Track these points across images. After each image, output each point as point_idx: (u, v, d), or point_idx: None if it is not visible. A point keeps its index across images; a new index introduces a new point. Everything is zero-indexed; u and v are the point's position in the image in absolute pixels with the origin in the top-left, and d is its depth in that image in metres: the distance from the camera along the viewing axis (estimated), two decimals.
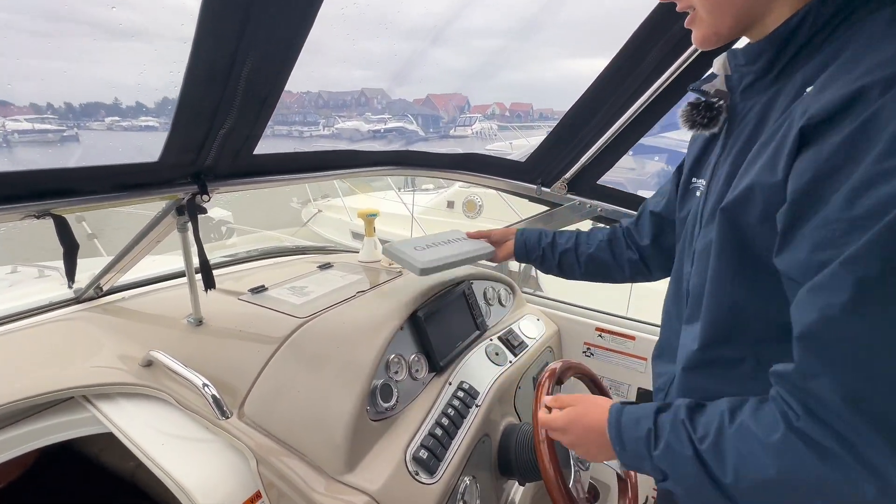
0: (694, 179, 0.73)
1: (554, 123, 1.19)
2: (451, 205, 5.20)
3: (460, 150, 1.34)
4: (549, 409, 0.73)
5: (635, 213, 0.97)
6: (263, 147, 0.85)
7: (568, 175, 1.25)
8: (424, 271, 1.01)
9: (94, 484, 1.40)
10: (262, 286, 1.21)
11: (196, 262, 0.95)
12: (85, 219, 3.08)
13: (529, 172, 1.29)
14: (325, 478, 0.76)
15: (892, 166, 0.38)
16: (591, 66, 1.14)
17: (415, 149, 1.18)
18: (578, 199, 1.27)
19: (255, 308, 1.09)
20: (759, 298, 0.53)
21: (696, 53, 1.00)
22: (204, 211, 0.86)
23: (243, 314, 1.08)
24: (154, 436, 0.85)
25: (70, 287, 0.71)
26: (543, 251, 1.04)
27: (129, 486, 1.28)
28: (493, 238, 1.14)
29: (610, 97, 1.14)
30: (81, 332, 1.11)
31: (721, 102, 0.62)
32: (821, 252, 0.42)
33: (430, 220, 5.05)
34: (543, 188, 1.29)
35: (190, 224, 0.89)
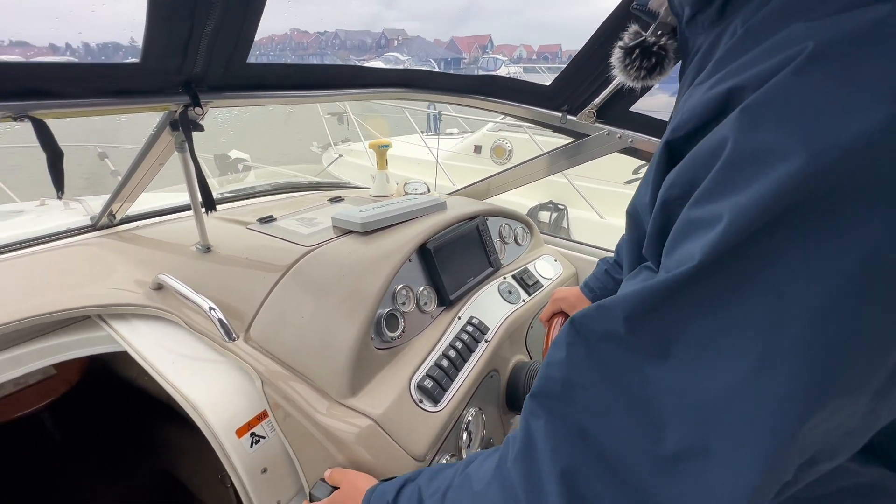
0: None
1: None
2: (478, 149, 4.95)
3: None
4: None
5: None
6: None
7: (597, 101, 1.12)
8: (365, 226, 1.01)
9: (133, 404, 1.51)
10: (271, 216, 1.18)
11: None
12: (108, 156, 3.13)
13: (554, 99, 1.17)
14: (329, 401, 0.76)
15: None
16: None
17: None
18: (608, 128, 1.15)
19: (263, 237, 1.07)
20: None
21: None
22: (200, 128, 0.81)
23: (250, 242, 1.06)
24: (165, 355, 0.87)
25: (59, 197, 0.69)
26: (617, 282, 0.91)
27: (165, 408, 1.36)
28: (567, 305, 1.00)
29: None
30: (97, 257, 1.13)
31: (663, 41, 0.49)
32: None
33: (455, 165, 4.84)
34: (569, 116, 1.18)
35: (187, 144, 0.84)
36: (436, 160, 4.37)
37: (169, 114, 0.80)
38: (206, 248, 1.05)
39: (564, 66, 1.13)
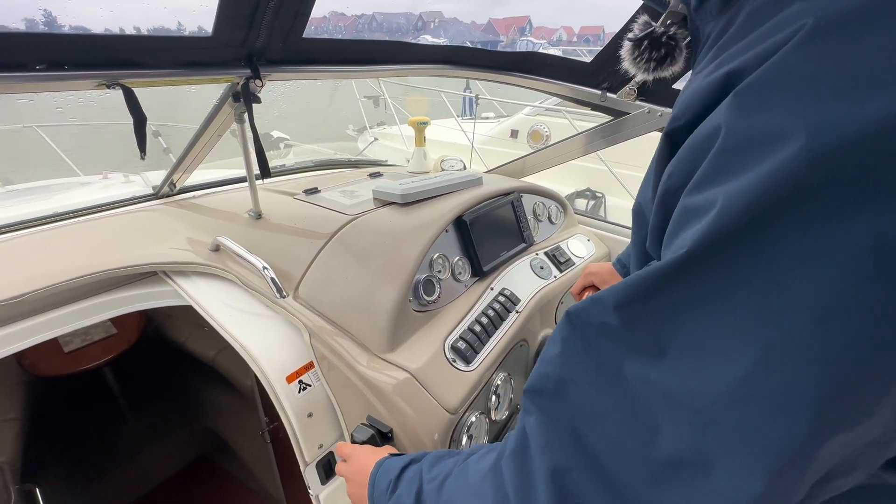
0: None
1: None
2: (514, 134, 4.85)
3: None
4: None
5: None
6: None
7: (639, 77, 1.11)
8: (405, 197, 1.06)
9: (181, 367, 1.65)
10: (316, 188, 1.25)
11: (253, 156, 0.99)
12: (161, 134, 3.33)
13: (595, 76, 1.17)
14: (370, 355, 0.82)
15: None
16: None
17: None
18: (649, 106, 1.14)
19: (309, 206, 1.14)
20: None
21: None
22: (258, 100, 0.88)
23: (298, 211, 1.13)
24: (224, 308, 0.95)
25: (142, 158, 0.77)
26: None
27: (209, 370, 1.48)
28: (598, 280, 1.00)
29: None
30: (160, 222, 1.24)
31: (672, 31, 0.47)
32: None
33: (491, 150, 4.78)
34: (609, 94, 1.17)
35: (246, 115, 0.91)
36: (471, 144, 4.36)
37: (231, 86, 0.87)
38: (258, 215, 1.13)
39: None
